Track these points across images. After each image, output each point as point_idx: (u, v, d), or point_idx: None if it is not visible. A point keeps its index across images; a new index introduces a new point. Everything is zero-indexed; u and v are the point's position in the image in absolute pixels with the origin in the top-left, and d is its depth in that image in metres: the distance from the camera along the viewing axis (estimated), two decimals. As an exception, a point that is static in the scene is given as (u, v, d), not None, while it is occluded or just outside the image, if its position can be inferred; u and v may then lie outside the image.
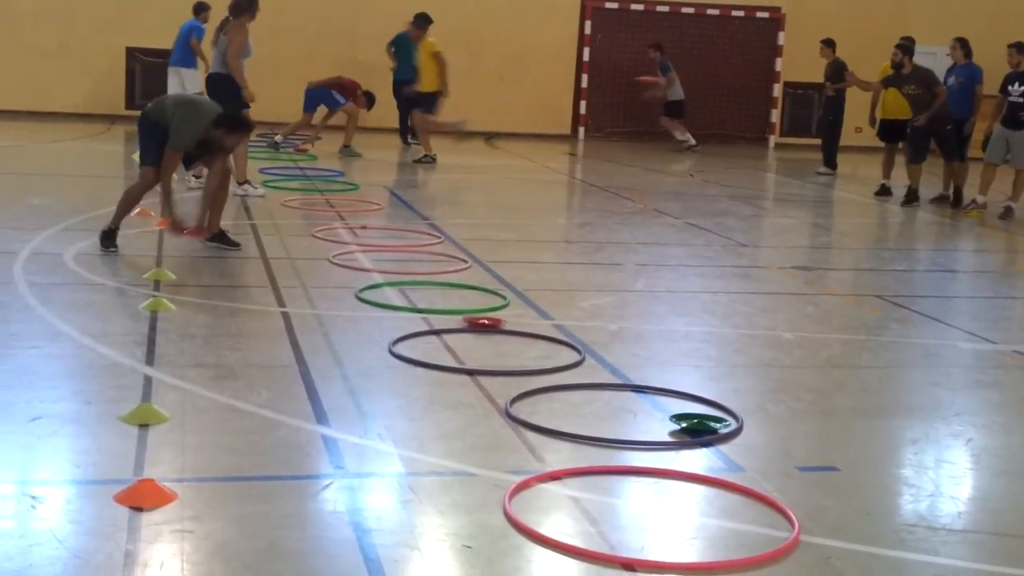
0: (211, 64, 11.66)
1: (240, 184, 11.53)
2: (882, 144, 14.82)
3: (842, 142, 19.92)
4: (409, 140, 16.85)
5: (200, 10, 15.65)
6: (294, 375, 5.54)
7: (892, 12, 20.41)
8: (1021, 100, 12.76)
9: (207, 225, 8.50)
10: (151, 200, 10.42)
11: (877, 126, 14.77)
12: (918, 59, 14.51)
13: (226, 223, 8.82)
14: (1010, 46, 13.10)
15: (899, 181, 14.24)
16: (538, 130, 19.85)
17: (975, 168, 13.38)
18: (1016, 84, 12.81)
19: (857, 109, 19.99)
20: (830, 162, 16.85)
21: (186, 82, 15.47)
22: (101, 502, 3.93)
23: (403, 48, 16.29)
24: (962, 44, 13.86)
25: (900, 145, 14.48)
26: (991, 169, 13.00)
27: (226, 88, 11.21)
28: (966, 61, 13.81)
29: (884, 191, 14.36)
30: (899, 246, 11.75)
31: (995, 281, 9.63)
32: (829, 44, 17.31)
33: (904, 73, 13.39)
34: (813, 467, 4.76)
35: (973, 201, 12.98)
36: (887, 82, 13.77)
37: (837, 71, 17.05)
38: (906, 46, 13.52)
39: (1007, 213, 12.69)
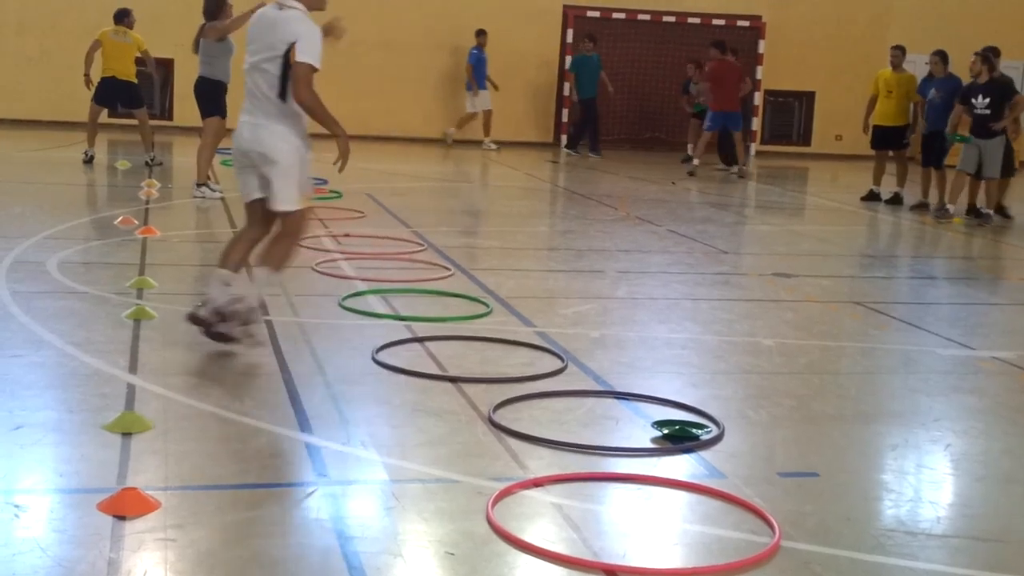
0: (200, 67, 11.88)
1: (199, 186, 11.64)
2: (872, 152, 14.86)
3: (822, 150, 20.00)
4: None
5: (478, 35, 18.30)
6: (277, 383, 5.55)
7: (873, 19, 20.49)
8: (987, 112, 12.79)
9: None
10: (132, 208, 10.42)
11: (871, 133, 14.74)
12: (907, 66, 14.61)
13: (211, 231, 8.80)
14: (976, 54, 13.04)
15: (889, 187, 14.36)
16: (521, 138, 19.88)
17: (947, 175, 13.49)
18: (980, 97, 12.83)
19: (836, 117, 20.15)
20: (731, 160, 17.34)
21: (475, 101, 18.60)
22: (84, 511, 3.93)
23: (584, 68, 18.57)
24: (942, 58, 13.85)
25: (891, 153, 14.52)
26: (962, 177, 13.06)
27: (210, 91, 11.54)
28: (946, 73, 13.84)
29: (872, 196, 14.43)
30: (879, 253, 11.82)
31: (973, 287, 9.70)
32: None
33: (979, 83, 12.96)
34: (794, 473, 4.78)
35: (945, 209, 13.05)
36: (963, 98, 13.10)
37: None
38: (986, 56, 12.96)
39: (985, 220, 12.78)
